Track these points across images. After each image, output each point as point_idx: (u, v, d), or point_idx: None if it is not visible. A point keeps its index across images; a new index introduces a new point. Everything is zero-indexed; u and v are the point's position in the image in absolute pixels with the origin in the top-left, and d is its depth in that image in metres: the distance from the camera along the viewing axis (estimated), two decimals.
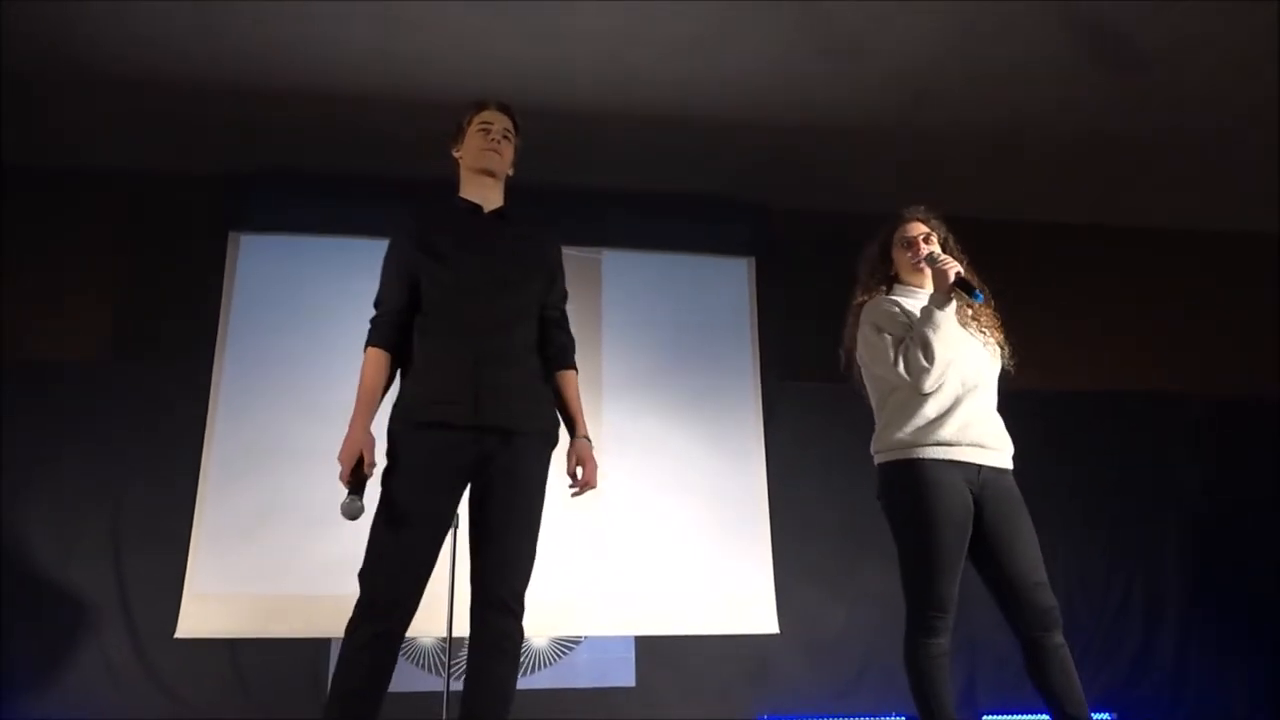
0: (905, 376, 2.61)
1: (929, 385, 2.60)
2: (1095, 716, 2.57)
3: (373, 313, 2.52)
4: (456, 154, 2.65)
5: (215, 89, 4.32)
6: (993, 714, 4.59)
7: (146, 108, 4.44)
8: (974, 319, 2.77)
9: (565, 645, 4.54)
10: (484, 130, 2.59)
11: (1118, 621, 4.96)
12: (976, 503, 2.59)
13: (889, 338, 2.68)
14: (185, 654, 4.23)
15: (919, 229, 2.80)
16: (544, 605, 4.38)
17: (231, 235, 4.84)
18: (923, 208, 2.86)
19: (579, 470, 2.51)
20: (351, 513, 2.26)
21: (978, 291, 2.59)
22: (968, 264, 2.76)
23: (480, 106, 2.64)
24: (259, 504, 4.42)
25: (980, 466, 2.61)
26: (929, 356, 2.57)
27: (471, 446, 2.35)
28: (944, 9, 3.80)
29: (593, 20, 3.94)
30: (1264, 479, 5.21)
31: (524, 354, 2.48)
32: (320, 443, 4.45)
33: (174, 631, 4.24)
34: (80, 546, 4.32)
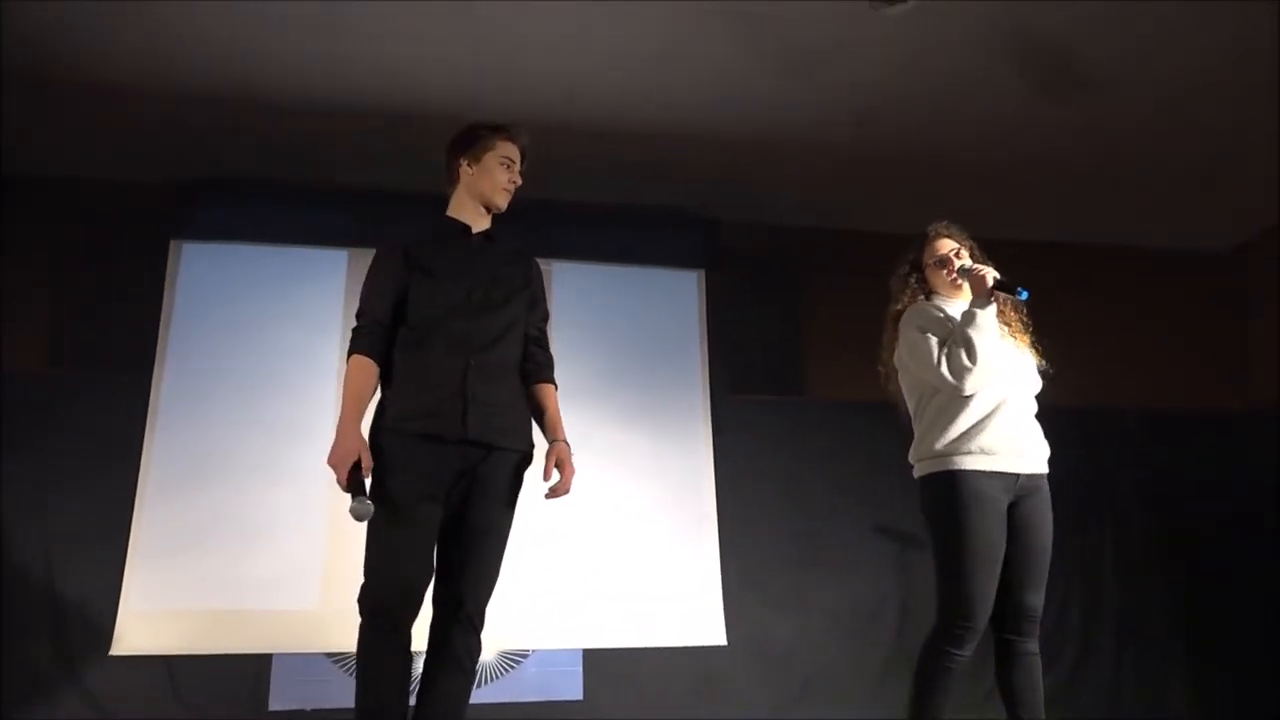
0: (948, 377, 2.59)
1: (970, 386, 2.59)
2: None
3: (355, 323, 2.54)
4: (467, 166, 2.63)
5: (157, 95, 4.24)
6: None
7: (85, 112, 4.35)
8: (1009, 327, 2.78)
9: (512, 658, 4.50)
10: (506, 165, 2.62)
11: (1057, 631, 5.05)
12: (1010, 508, 2.64)
13: (933, 338, 2.66)
14: (121, 671, 4.12)
15: (948, 245, 2.81)
16: (491, 618, 4.36)
17: (173, 244, 4.74)
18: (945, 223, 2.88)
19: (555, 474, 2.55)
20: (362, 514, 2.27)
21: (1021, 289, 2.59)
22: (994, 267, 2.79)
23: (505, 134, 2.63)
24: (198, 518, 4.32)
25: (1019, 475, 2.64)
26: (972, 356, 2.56)
27: (457, 460, 2.40)
28: (893, 30, 3.85)
29: (545, 32, 3.93)
30: (1199, 491, 5.35)
31: (508, 372, 2.57)
32: (260, 456, 4.44)
33: (109, 648, 4.13)
34: (12, 562, 4.19)
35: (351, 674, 4.03)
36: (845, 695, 4.60)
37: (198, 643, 4.20)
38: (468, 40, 3.98)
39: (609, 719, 4.46)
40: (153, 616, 4.22)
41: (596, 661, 4.57)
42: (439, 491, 2.40)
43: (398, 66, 4.13)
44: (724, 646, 4.67)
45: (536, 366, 2.67)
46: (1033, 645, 2.61)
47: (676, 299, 5.20)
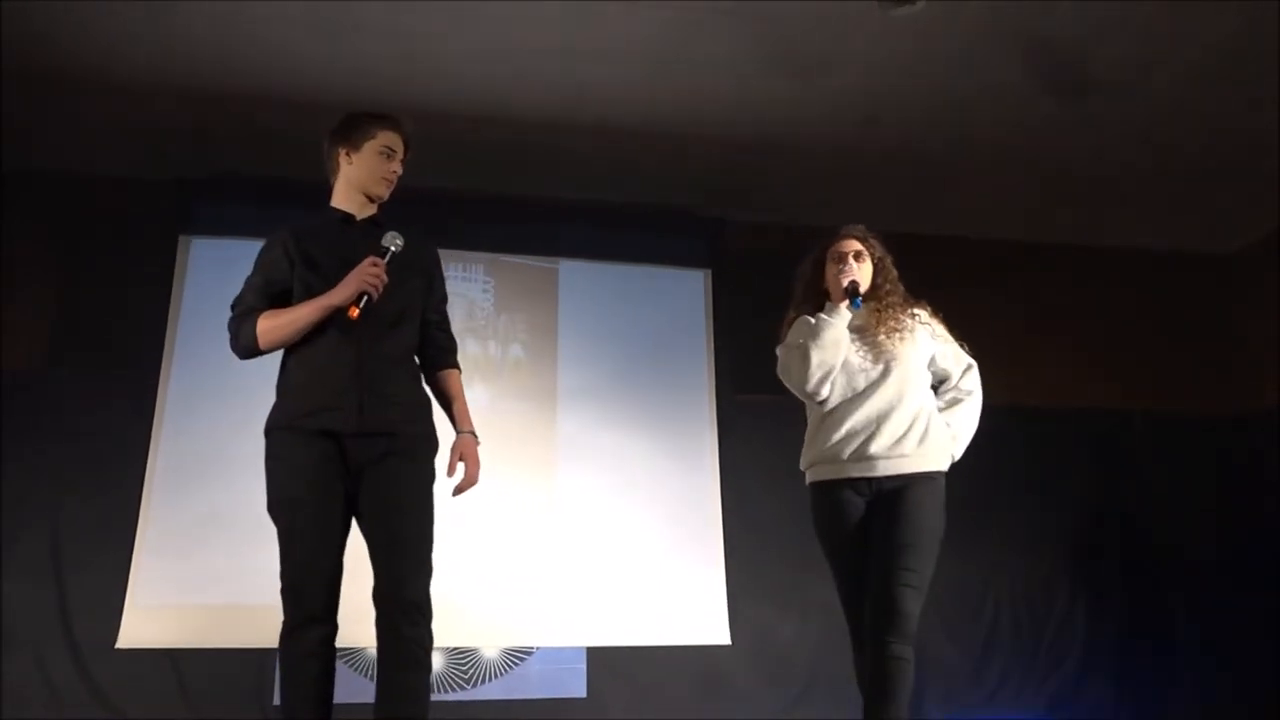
0: (791, 386, 2.69)
1: (812, 387, 2.63)
2: None
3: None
4: (345, 156, 2.59)
5: (165, 89, 4.25)
6: None
7: (93, 107, 4.35)
8: (877, 324, 2.71)
9: (516, 656, 4.51)
10: (386, 155, 2.57)
11: (1060, 633, 5.05)
12: (870, 510, 2.62)
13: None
14: (126, 665, 4.15)
15: (851, 246, 2.77)
16: (496, 615, 4.36)
17: (182, 239, 4.75)
18: (862, 227, 2.83)
19: (460, 466, 2.52)
20: (391, 241, 2.44)
21: (857, 299, 2.65)
22: (896, 278, 2.80)
23: (386, 123, 2.59)
24: (204, 513, 4.35)
25: (870, 479, 2.61)
26: (806, 361, 2.62)
27: (355, 451, 2.36)
28: (899, 32, 3.85)
29: (551, 32, 3.94)
30: (1201, 492, 5.37)
31: (402, 358, 2.52)
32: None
33: (115, 642, 4.15)
34: (19, 558, 4.21)
35: (357, 669, 4.05)
36: (848, 695, 4.57)
37: (203, 637, 4.22)
38: (476, 39, 3.98)
39: (612, 718, 4.47)
40: (159, 611, 4.25)
41: (601, 659, 4.57)
42: (342, 480, 2.36)
43: (406, 65, 4.14)
44: (728, 646, 4.68)
45: (439, 351, 2.61)
46: (899, 649, 2.42)
47: (683, 299, 5.21)
